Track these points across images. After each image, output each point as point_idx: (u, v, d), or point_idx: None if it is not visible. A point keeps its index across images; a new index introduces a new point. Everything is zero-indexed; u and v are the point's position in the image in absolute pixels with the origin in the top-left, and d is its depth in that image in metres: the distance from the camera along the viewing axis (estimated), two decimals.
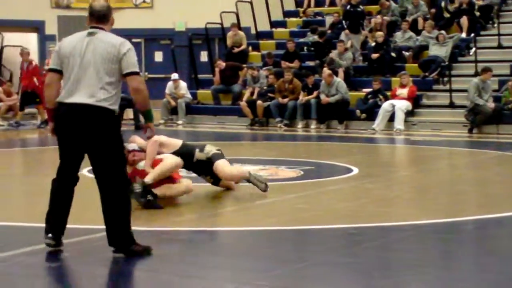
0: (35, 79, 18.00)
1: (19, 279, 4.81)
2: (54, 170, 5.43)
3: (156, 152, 7.77)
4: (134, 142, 8.00)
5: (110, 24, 5.77)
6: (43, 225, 6.28)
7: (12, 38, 22.65)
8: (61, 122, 5.42)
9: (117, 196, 5.33)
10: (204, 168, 8.16)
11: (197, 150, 8.08)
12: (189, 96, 19.15)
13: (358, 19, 19.27)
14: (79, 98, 5.37)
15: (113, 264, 5.14)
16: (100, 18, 5.63)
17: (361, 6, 19.50)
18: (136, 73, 5.54)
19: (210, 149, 8.19)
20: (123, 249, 5.27)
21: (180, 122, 18.65)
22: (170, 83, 19.12)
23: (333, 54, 18.36)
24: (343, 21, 19.60)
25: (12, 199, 8.05)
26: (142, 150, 7.81)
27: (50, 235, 5.42)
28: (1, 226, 6.52)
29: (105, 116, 5.35)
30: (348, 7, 19.46)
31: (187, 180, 7.78)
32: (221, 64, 19.35)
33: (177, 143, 8.12)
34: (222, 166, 8.05)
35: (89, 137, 5.32)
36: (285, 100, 17.44)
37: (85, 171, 9.45)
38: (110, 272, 4.94)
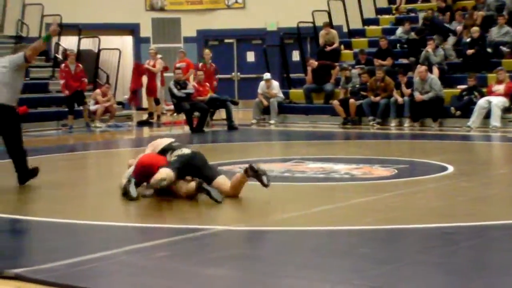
0: (85, 79, 18.47)
1: (121, 277, 4.94)
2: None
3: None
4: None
5: None
6: (143, 225, 6.49)
7: (108, 41, 23.24)
8: None
9: None
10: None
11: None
12: (281, 95, 19.24)
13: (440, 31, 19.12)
14: None
15: (209, 264, 5.23)
16: None
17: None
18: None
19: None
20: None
21: (272, 121, 18.76)
22: (262, 83, 19.25)
23: (426, 50, 18.12)
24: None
25: (112, 199, 8.27)
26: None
27: None
28: (102, 225, 6.72)
29: None
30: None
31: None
32: (313, 63, 19.36)
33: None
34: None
35: None
36: (377, 98, 17.32)
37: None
38: (204, 272, 5.03)
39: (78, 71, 18.27)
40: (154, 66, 19.98)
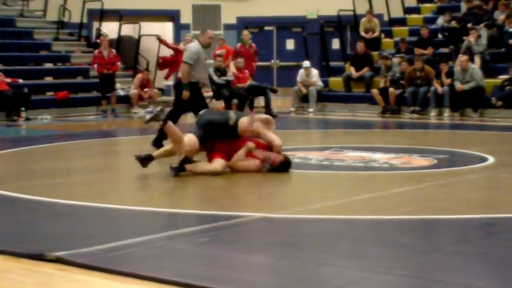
0: (118, 63, 18.51)
1: (162, 262, 4.97)
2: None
3: None
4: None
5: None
6: (183, 210, 6.52)
7: (149, 27, 23.32)
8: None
9: None
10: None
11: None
12: (320, 83, 19.17)
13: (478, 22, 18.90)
14: None
15: (249, 251, 5.25)
16: None
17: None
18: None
19: None
20: None
21: (311, 109, 18.71)
22: (301, 71, 19.20)
23: (468, 40, 17.90)
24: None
25: (151, 184, 8.32)
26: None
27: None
28: (142, 210, 6.76)
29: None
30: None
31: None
32: (361, 45, 19.10)
33: None
34: None
35: None
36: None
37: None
38: (245, 259, 5.04)
39: (111, 57, 18.35)
40: (183, 49, 19.84)
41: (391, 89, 17.60)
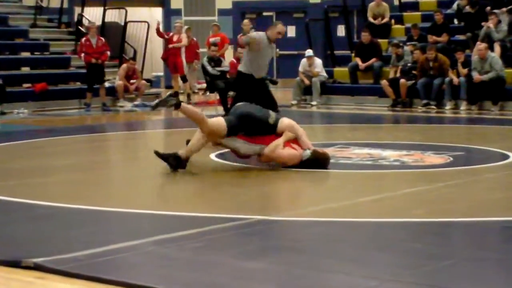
0: (108, 52, 18.48)
1: (150, 269, 4.98)
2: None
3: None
4: None
5: None
6: (173, 213, 6.53)
7: (136, 13, 23.33)
8: None
9: None
10: None
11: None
12: (324, 74, 19.18)
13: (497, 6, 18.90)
14: None
15: (246, 256, 5.27)
16: None
17: None
18: None
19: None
20: None
21: (314, 102, 18.74)
22: (303, 60, 19.21)
23: (487, 26, 17.91)
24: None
25: (139, 184, 8.34)
26: None
27: None
28: (129, 213, 6.77)
29: None
30: None
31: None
32: (366, 35, 19.10)
33: None
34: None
35: None
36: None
37: (213, 156, 9.71)
38: (241, 265, 5.06)
39: (100, 45, 18.30)
40: (179, 40, 19.97)
41: (402, 80, 17.61)
